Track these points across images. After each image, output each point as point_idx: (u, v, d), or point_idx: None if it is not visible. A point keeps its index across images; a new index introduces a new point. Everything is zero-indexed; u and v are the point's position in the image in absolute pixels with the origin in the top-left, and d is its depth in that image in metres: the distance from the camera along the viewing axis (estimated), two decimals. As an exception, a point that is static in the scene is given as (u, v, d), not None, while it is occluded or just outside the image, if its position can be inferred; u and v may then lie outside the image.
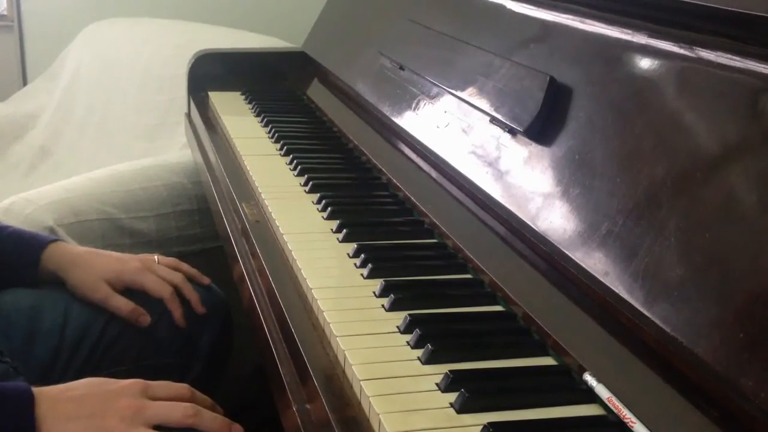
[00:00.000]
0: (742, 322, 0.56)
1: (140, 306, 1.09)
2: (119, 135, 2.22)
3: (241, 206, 1.11)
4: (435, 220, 0.98)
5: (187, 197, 1.60)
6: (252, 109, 1.59)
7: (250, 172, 1.21)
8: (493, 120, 0.94)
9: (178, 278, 1.11)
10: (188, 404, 0.82)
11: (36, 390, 0.77)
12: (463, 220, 0.95)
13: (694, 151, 0.68)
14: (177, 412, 0.80)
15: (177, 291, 1.11)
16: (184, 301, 1.12)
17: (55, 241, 1.11)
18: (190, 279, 1.14)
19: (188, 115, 1.73)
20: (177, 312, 1.09)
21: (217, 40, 2.02)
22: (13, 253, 1.09)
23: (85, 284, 1.07)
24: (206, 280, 1.16)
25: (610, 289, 0.67)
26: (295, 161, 1.24)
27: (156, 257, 1.14)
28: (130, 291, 1.09)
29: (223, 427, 0.82)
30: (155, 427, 0.78)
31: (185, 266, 1.16)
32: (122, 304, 1.07)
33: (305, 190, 1.14)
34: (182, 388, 0.84)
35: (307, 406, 0.72)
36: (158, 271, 1.11)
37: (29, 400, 0.76)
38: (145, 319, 1.08)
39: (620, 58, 0.80)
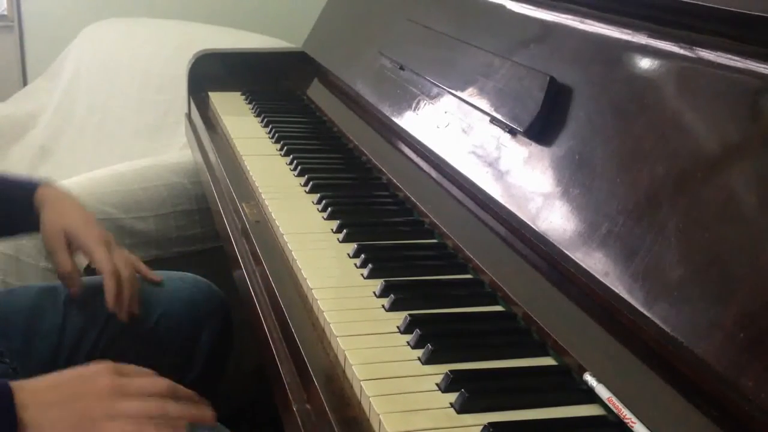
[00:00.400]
0: (742, 323, 0.56)
1: (141, 305, 1.09)
2: (119, 135, 2.22)
3: (241, 206, 1.11)
4: (435, 220, 0.98)
5: (187, 197, 1.60)
6: (252, 109, 1.59)
7: (251, 172, 1.21)
8: (493, 120, 0.94)
9: (128, 268, 1.08)
10: (162, 383, 0.82)
11: (13, 383, 0.77)
12: (463, 220, 0.95)
13: (694, 151, 0.68)
14: (154, 388, 0.80)
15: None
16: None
17: (46, 183, 1.11)
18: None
19: (188, 115, 1.73)
20: (109, 292, 1.05)
21: (217, 40, 2.02)
22: (10, 198, 1.09)
23: (47, 228, 1.07)
24: (157, 279, 1.14)
25: (611, 289, 0.67)
26: (295, 161, 1.24)
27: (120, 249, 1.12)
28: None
29: (193, 415, 0.81)
30: None
31: (141, 264, 1.15)
32: (64, 261, 1.06)
33: (305, 190, 1.14)
34: (160, 381, 0.83)
35: (308, 406, 0.72)
36: (113, 251, 1.08)
37: (8, 394, 0.75)
38: (75, 289, 1.07)
39: (620, 59, 0.80)
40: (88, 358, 1.07)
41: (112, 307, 1.05)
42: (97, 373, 0.80)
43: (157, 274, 1.15)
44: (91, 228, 1.09)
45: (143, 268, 1.15)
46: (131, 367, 0.83)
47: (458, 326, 0.78)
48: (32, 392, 0.77)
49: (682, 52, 0.73)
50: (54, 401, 0.77)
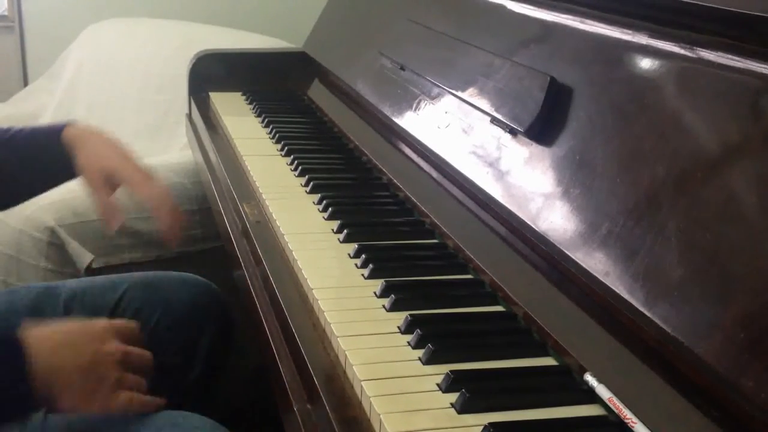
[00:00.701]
0: (742, 323, 0.56)
1: (141, 307, 1.09)
2: (120, 135, 2.20)
3: (241, 206, 1.11)
4: (435, 221, 0.98)
5: (187, 197, 1.60)
6: (253, 109, 1.59)
7: (251, 173, 1.21)
8: (494, 120, 0.94)
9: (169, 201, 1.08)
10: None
11: (29, 335, 0.79)
12: (463, 220, 0.95)
13: (695, 152, 0.68)
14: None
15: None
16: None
17: (71, 123, 1.09)
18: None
19: (189, 116, 1.73)
20: (163, 222, 1.05)
21: (217, 40, 2.02)
22: (35, 143, 1.08)
23: (85, 168, 1.05)
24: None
25: (611, 289, 0.67)
26: (295, 161, 1.24)
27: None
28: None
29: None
30: None
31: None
32: (103, 201, 1.05)
33: (306, 191, 1.14)
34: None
35: (308, 406, 0.72)
36: (154, 184, 1.07)
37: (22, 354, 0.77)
38: (113, 227, 1.06)
39: (621, 59, 0.80)
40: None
41: (168, 235, 1.05)
42: (104, 336, 0.84)
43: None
44: (129, 162, 1.07)
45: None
46: (122, 325, 0.88)
47: (459, 326, 0.78)
48: (51, 350, 0.80)
49: (682, 52, 0.73)
50: (73, 365, 0.80)
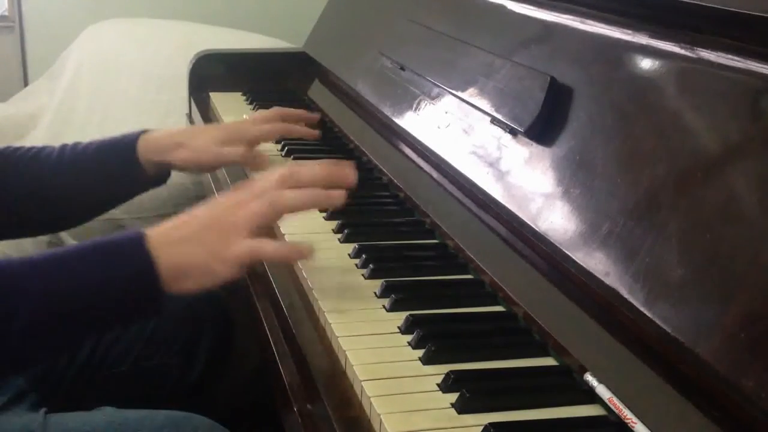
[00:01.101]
0: (742, 323, 0.56)
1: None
2: (120, 135, 2.22)
3: (241, 206, 1.11)
4: (436, 221, 0.98)
5: (188, 198, 1.60)
6: (253, 109, 1.58)
7: (251, 173, 1.21)
8: (494, 120, 0.94)
9: (279, 128, 1.14)
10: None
11: (147, 230, 0.77)
12: (463, 220, 0.95)
13: (695, 152, 0.68)
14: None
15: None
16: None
17: (143, 132, 1.11)
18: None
19: (189, 116, 1.73)
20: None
21: (218, 40, 2.02)
22: (108, 162, 1.07)
23: (195, 152, 1.06)
24: (314, 117, 1.20)
25: (611, 289, 0.67)
26: (295, 161, 1.24)
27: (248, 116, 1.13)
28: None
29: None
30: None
31: (285, 111, 1.20)
32: (235, 152, 1.06)
33: (306, 191, 1.14)
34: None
35: (308, 406, 0.72)
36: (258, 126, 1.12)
37: (140, 238, 0.75)
38: (263, 159, 1.08)
39: (621, 59, 0.80)
40: (90, 358, 1.07)
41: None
42: (220, 203, 0.83)
43: None
44: (226, 127, 1.11)
45: (286, 112, 1.23)
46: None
47: (459, 326, 0.78)
48: (162, 233, 0.77)
49: (682, 52, 0.73)
50: (189, 235, 0.78)
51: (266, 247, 0.78)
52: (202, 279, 0.76)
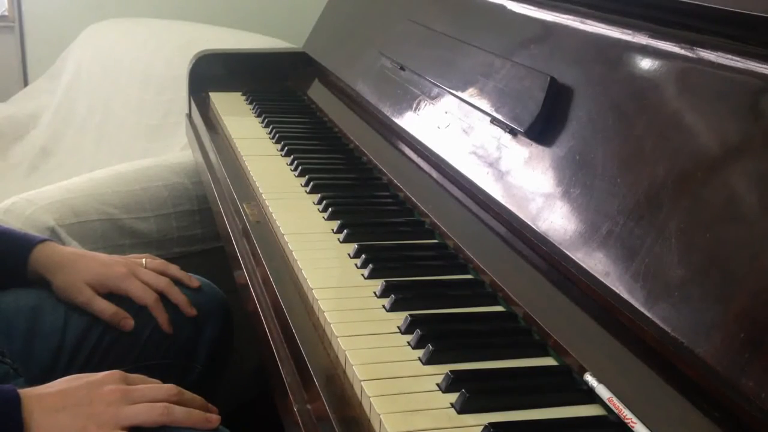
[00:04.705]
0: (742, 323, 0.56)
1: (142, 307, 1.09)
2: (120, 135, 2.22)
3: (241, 207, 1.11)
4: (436, 221, 0.98)
5: (187, 197, 1.60)
6: (253, 109, 1.59)
7: (251, 173, 1.21)
8: (494, 120, 0.94)
9: (163, 283, 1.10)
10: (169, 389, 0.83)
11: (21, 391, 0.78)
12: (463, 220, 0.95)
13: (695, 152, 0.68)
14: (160, 394, 0.82)
15: (164, 296, 1.10)
16: (173, 305, 1.12)
17: (44, 241, 1.10)
18: (178, 282, 1.13)
19: (189, 116, 1.73)
20: (162, 318, 1.09)
21: (218, 40, 2.02)
22: (2, 253, 1.08)
23: (68, 287, 1.07)
24: (195, 283, 1.15)
25: (611, 289, 0.67)
26: (295, 162, 1.24)
27: (144, 260, 1.13)
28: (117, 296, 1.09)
29: (198, 419, 0.82)
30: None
31: (173, 268, 1.15)
32: (104, 307, 1.06)
33: (306, 191, 1.14)
34: (166, 387, 0.85)
35: (308, 406, 0.72)
36: (143, 276, 1.10)
37: (15, 401, 0.76)
38: (128, 322, 1.07)
39: (621, 59, 0.80)
40: (90, 359, 1.07)
41: (168, 330, 1.09)
42: (104, 380, 0.82)
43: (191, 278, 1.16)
44: (110, 267, 1.09)
45: (173, 270, 1.15)
46: (138, 377, 0.85)
47: (459, 326, 0.78)
48: (38, 399, 0.78)
49: (682, 52, 0.73)
50: (60, 406, 0.78)
51: None
52: None
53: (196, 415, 0.82)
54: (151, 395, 0.82)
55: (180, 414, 0.81)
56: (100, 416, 0.78)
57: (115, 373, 0.83)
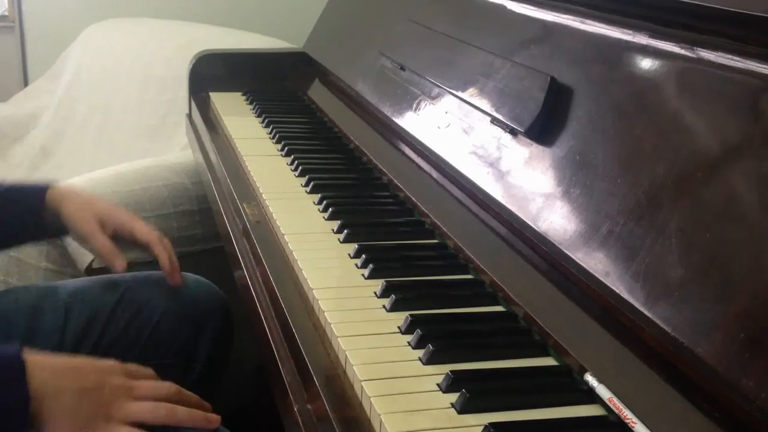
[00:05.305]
0: (742, 323, 0.56)
1: (142, 307, 1.09)
2: (120, 135, 2.22)
3: (242, 206, 1.11)
4: (436, 221, 0.98)
5: (188, 197, 1.60)
6: (253, 109, 1.59)
7: (251, 173, 1.21)
8: (494, 120, 0.94)
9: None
10: (169, 387, 0.83)
11: (29, 356, 0.76)
12: (464, 220, 0.95)
13: (695, 152, 0.68)
14: (162, 392, 0.82)
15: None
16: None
17: (53, 184, 1.11)
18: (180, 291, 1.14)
19: (189, 116, 1.73)
20: (163, 257, 1.09)
21: (218, 40, 2.02)
22: (22, 191, 1.08)
23: (78, 216, 1.07)
24: (177, 282, 1.14)
25: (611, 289, 0.67)
26: (296, 162, 1.24)
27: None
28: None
29: (199, 418, 0.82)
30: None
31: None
32: (104, 243, 1.06)
33: (306, 191, 1.14)
34: (167, 385, 0.85)
35: (308, 406, 0.72)
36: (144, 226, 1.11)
37: (20, 367, 0.75)
38: (121, 264, 1.07)
39: (621, 59, 0.80)
40: (90, 356, 1.07)
41: (169, 270, 1.09)
42: (112, 370, 0.81)
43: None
44: (120, 209, 1.11)
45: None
46: (137, 368, 0.85)
47: (459, 326, 0.78)
48: (52, 372, 0.77)
49: (682, 52, 0.73)
50: (73, 388, 0.77)
51: None
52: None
53: (197, 415, 0.82)
54: (154, 393, 0.82)
55: (183, 414, 0.81)
56: (108, 407, 0.77)
57: (117, 365, 0.83)
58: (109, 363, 0.83)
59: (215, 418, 0.84)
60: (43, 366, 0.77)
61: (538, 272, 0.80)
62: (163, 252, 1.09)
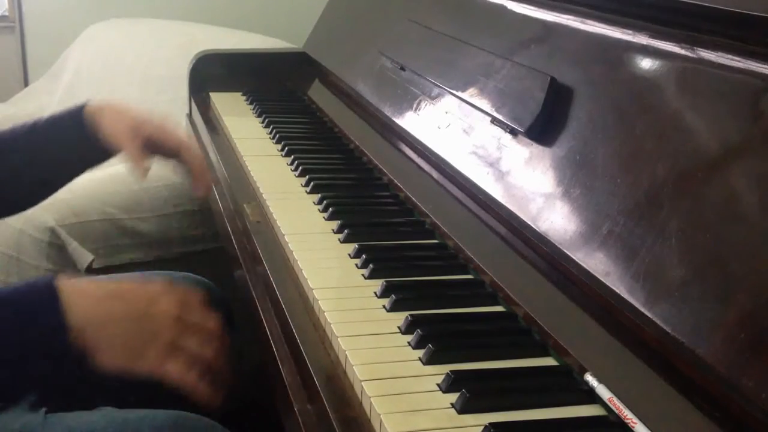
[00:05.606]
0: (742, 323, 0.56)
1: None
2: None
3: (242, 207, 1.11)
4: (436, 221, 0.98)
5: (188, 198, 1.60)
6: (253, 109, 1.59)
7: (252, 173, 1.21)
8: (494, 120, 0.94)
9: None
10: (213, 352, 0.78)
11: (64, 282, 0.71)
12: (464, 220, 0.95)
13: (695, 152, 0.68)
14: (210, 323, 0.77)
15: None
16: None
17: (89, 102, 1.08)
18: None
19: (189, 116, 1.73)
20: (193, 163, 1.05)
21: (218, 40, 2.02)
22: (60, 128, 1.06)
23: (112, 128, 1.04)
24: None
25: (611, 289, 0.67)
26: (296, 162, 1.24)
27: None
28: None
29: (207, 402, 0.78)
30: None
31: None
32: (132, 149, 1.04)
33: (306, 191, 1.14)
34: (211, 351, 0.78)
35: (308, 406, 0.72)
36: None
37: (53, 293, 0.70)
38: (144, 169, 1.03)
39: (621, 59, 0.80)
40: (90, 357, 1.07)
41: (198, 178, 1.06)
42: (162, 295, 0.75)
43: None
44: (153, 117, 1.08)
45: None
46: (186, 291, 0.78)
47: (459, 326, 0.78)
48: (95, 299, 0.72)
49: (682, 52, 0.73)
50: (120, 316, 0.72)
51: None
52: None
53: (209, 399, 0.77)
54: (205, 328, 0.76)
55: (203, 395, 0.76)
56: (157, 337, 0.72)
57: (166, 288, 0.76)
58: (160, 286, 0.76)
59: (215, 404, 0.79)
60: (85, 293, 0.72)
61: (538, 272, 0.80)
62: (193, 158, 1.06)
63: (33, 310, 0.70)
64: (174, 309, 0.75)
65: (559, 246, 0.75)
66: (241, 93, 1.70)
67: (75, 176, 1.12)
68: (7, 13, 2.63)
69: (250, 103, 1.63)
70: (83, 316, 0.70)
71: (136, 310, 0.73)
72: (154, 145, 1.07)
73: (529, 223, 0.81)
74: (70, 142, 1.06)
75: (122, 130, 1.05)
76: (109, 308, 0.72)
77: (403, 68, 1.25)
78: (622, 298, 0.66)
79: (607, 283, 0.68)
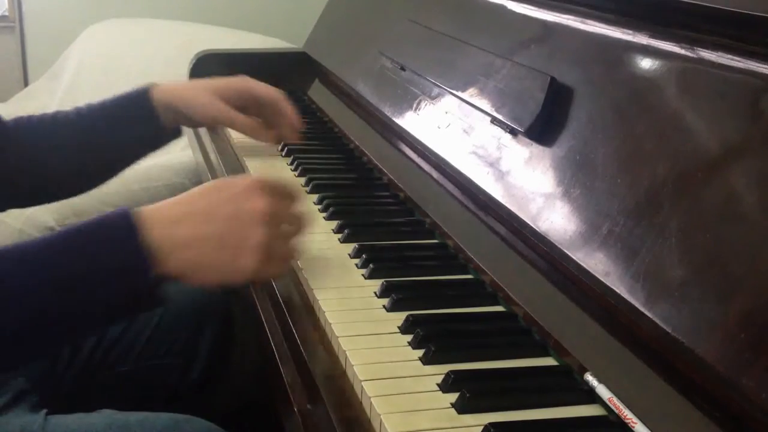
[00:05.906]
0: (743, 323, 0.56)
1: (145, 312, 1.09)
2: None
3: (242, 207, 1.11)
4: (436, 221, 0.98)
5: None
6: (253, 109, 1.58)
7: (252, 173, 1.21)
8: (494, 120, 0.94)
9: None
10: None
11: (139, 215, 0.70)
12: (464, 220, 0.95)
13: (695, 152, 0.68)
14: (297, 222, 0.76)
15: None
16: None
17: (150, 86, 1.07)
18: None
19: (189, 116, 1.73)
20: (291, 112, 1.10)
21: (218, 40, 2.03)
22: (128, 110, 1.05)
23: (198, 102, 1.03)
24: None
25: (611, 289, 0.67)
26: (296, 162, 1.24)
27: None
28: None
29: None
30: None
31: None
32: (243, 119, 1.04)
33: (306, 191, 1.14)
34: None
35: (309, 406, 0.72)
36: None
37: (130, 229, 0.68)
38: (270, 134, 1.07)
39: (621, 59, 0.80)
40: (90, 358, 1.07)
41: (293, 126, 1.11)
42: (251, 191, 0.73)
43: None
44: (226, 78, 1.09)
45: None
46: (277, 185, 0.77)
47: (459, 326, 0.78)
48: (171, 222, 0.71)
49: (682, 52, 0.73)
50: (201, 235, 0.71)
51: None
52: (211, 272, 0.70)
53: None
54: (292, 221, 0.77)
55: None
56: (244, 236, 0.71)
57: (258, 182, 0.74)
58: (248, 182, 0.74)
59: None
60: (159, 220, 0.70)
61: (538, 272, 0.80)
62: (290, 108, 1.07)
63: (113, 247, 0.67)
64: (259, 206, 0.72)
65: (559, 246, 0.75)
66: (241, 93, 1.70)
67: (138, 159, 1.10)
68: (7, 13, 2.63)
69: (250, 103, 1.62)
70: (164, 244, 0.68)
71: (216, 224, 0.71)
72: (245, 103, 1.05)
73: (529, 223, 0.81)
74: (138, 126, 1.04)
75: (213, 102, 1.02)
76: (188, 230, 0.70)
77: (403, 68, 1.25)
78: (622, 298, 0.66)
79: (607, 283, 0.68)
